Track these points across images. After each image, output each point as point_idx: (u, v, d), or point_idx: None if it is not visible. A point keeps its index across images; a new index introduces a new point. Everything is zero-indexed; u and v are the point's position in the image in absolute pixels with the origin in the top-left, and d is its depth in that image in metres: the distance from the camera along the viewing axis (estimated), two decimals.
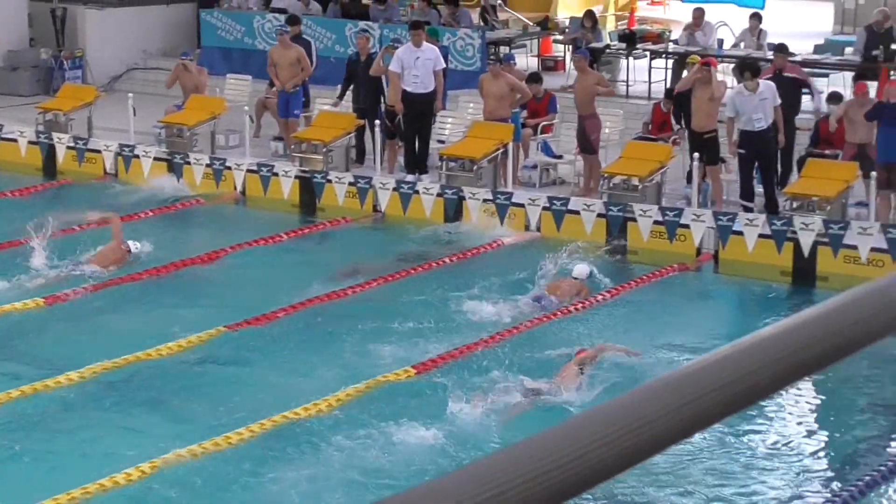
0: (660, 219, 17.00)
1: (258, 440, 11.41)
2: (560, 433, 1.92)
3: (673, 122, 18.97)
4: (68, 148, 20.64)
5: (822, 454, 11.98)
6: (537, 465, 1.85)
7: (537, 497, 1.83)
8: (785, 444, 11.99)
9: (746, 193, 17.33)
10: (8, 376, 12.67)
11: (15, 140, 21.06)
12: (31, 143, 20.91)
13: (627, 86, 22.98)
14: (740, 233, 16.52)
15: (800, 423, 12.60)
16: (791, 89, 17.95)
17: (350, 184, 18.78)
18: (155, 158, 20.12)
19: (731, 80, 19.92)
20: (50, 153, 20.88)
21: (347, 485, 10.71)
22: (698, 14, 23.07)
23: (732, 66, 20.67)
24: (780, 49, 18.75)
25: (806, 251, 16.21)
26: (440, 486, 1.77)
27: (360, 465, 11.01)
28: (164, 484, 10.51)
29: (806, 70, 20.09)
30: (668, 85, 21.04)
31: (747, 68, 17.69)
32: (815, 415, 12.90)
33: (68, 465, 10.85)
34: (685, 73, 20.13)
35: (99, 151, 20.53)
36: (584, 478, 1.89)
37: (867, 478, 11.10)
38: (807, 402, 13.02)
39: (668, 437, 2.00)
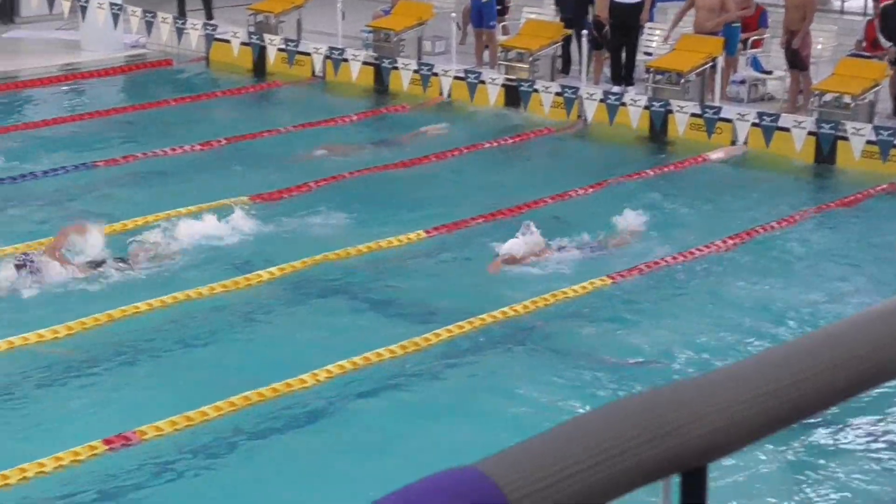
0: (873, 138, 16.55)
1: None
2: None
3: (881, 38, 18.29)
4: (279, 50, 20.92)
5: None
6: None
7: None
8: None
9: None
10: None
11: (228, 41, 21.43)
12: (243, 44, 21.25)
13: (843, 1, 22.31)
14: None
15: None
16: None
17: (556, 93, 18.67)
18: (363, 63, 20.29)
19: None
20: (261, 54, 21.20)
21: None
22: None
23: None
24: None
25: None
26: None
27: None
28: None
29: None
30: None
31: None
32: None
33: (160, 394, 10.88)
34: None
35: (308, 54, 20.77)
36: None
37: None
38: None
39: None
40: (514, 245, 13.12)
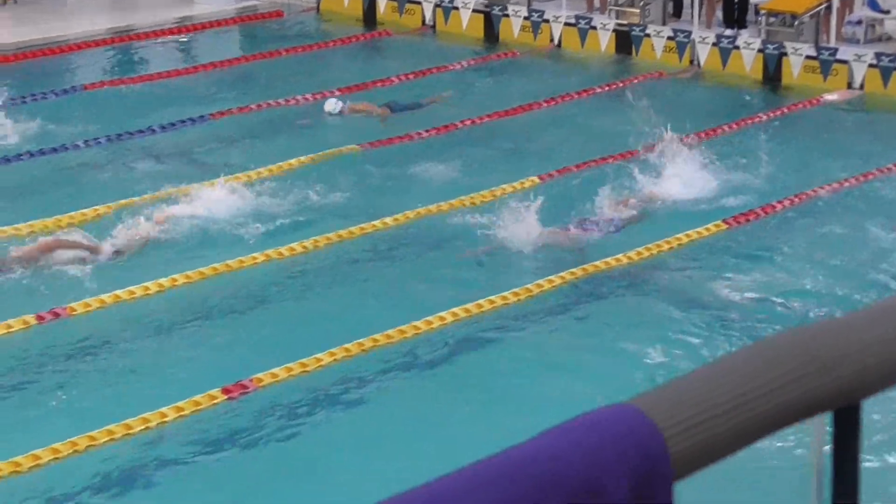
0: None
1: None
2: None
3: None
4: None
5: None
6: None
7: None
8: None
9: None
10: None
11: None
12: None
13: None
14: None
15: None
16: None
17: (668, 38, 18.47)
18: (473, 10, 20.21)
19: None
20: (371, 4, 21.20)
21: None
22: None
23: None
24: None
25: None
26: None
27: None
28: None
29: None
30: None
31: None
32: None
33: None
34: None
35: (418, 2, 20.74)
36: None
37: None
38: None
39: None
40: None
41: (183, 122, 16.12)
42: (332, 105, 16.39)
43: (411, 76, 18.22)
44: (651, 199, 13.23)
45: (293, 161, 14.57)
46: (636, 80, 18.14)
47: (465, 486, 1.36)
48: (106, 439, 8.76)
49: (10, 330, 10.39)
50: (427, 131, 15.72)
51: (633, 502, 1.45)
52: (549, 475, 1.38)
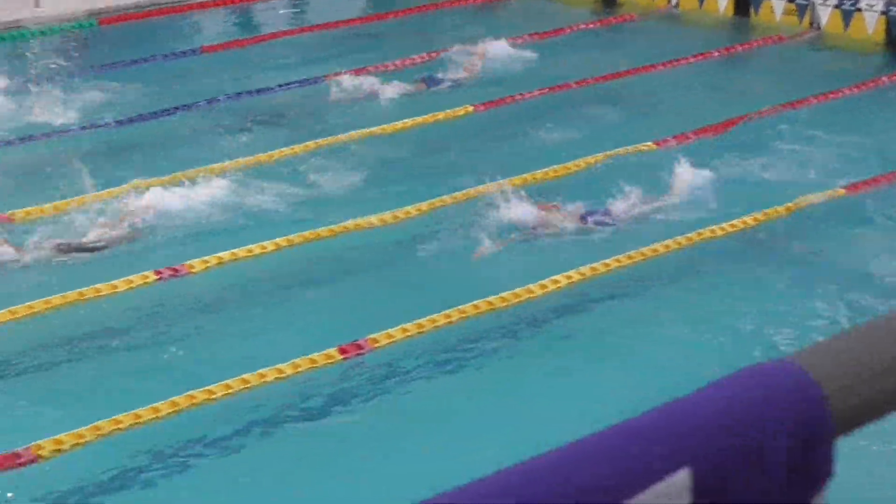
0: None
1: None
2: None
3: None
4: None
5: None
6: None
7: None
8: None
9: None
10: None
11: None
12: None
13: None
14: None
15: None
16: None
17: (788, 0, 18.20)
18: None
19: None
20: None
21: None
22: None
23: None
24: None
25: None
26: None
27: None
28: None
29: None
30: None
31: None
32: None
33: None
34: None
35: None
36: None
37: None
38: None
39: None
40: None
41: (299, 82, 16.19)
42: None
43: (527, 38, 18.11)
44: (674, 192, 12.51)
45: (407, 121, 14.60)
46: (755, 44, 17.90)
47: (626, 439, 1.35)
48: (222, 393, 8.87)
49: (132, 285, 10.55)
50: (540, 91, 15.65)
51: (793, 459, 1.43)
52: (712, 427, 1.37)
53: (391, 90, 15.80)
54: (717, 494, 1.36)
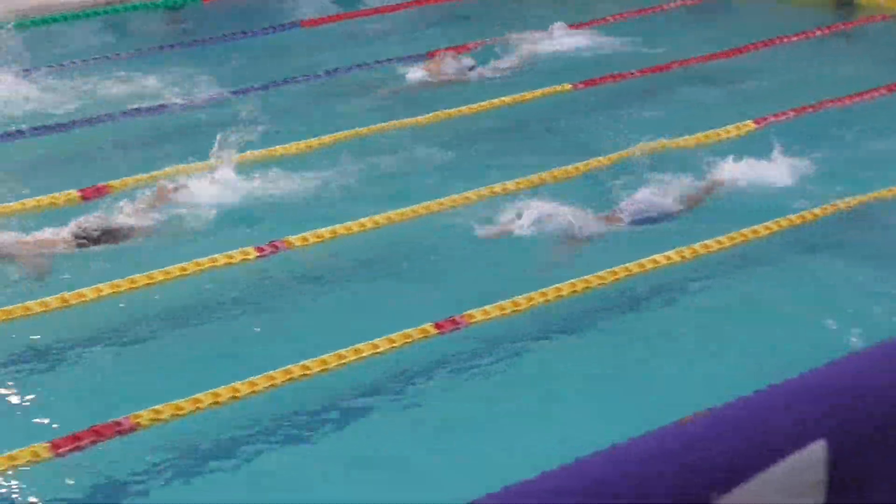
0: None
1: None
2: None
3: None
4: None
5: None
6: None
7: None
8: None
9: None
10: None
11: None
12: None
13: None
14: None
15: None
16: None
17: None
18: None
19: None
20: None
21: None
22: None
23: None
24: None
25: None
26: None
27: None
28: None
29: None
30: None
31: None
32: None
33: None
34: None
35: None
36: None
37: None
38: None
39: None
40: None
41: (400, 58, 16.19)
42: None
43: (621, 16, 17.97)
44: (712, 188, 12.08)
45: (506, 98, 14.56)
46: (858, 23, 17.62)
47: (758, 411, 1.32)
48: (318, 369, 8.91)
49: (232, 260, 10.61)
50: (641, 71, 15.53)
51: None
52: (849, 399, 1.33)
53: (490, 66, 15.75)
54: (852, 469, 1.31)
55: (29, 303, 9.86)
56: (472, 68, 15.45)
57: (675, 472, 1.27)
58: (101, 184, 12.09)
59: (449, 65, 15.39)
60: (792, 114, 13.97)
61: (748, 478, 1.35)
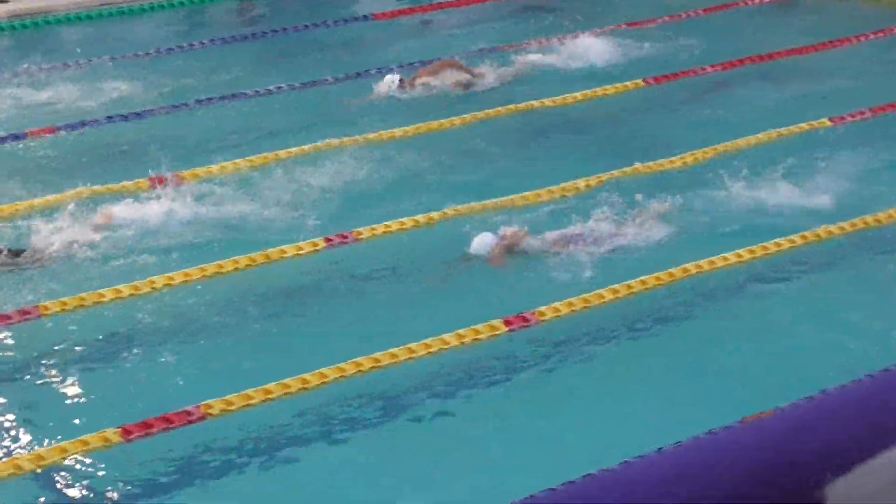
0: None
1: None
2: None
3: None
4: None
5: None
6: None
7: None
8: None
9: None
10: None
11: None
12: None
13: None
14: None
15: None
16: None
17: None
18: None
19: None
20: None
21: None
22: None
23: None
24: None
25: None
26: None
27: None
28: None
29: None
30: None
31: None
32: None
33: None
34: None
35: None
36: None
37: None
38: None
39: None
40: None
41: (478, 51, 16.15)
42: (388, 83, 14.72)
43: (686, 15, 17.83)
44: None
45: (578, 94, 14.52)
46: None
47: (859, 402, 1.30)
48: (388, 362, 8.92)
49: (301, 252, 10.67)
50: (713, 66, 15.42)
51: None
52: None
53: (564, 62, 15.71)
54: None
55: (103, 290, 9.96)
56: (468, 86, 15.10)
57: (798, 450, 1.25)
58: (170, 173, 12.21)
59: (449, 76, 15.16)
60: (868, 112, 13.82)
61: (863, 461, 1.33)
